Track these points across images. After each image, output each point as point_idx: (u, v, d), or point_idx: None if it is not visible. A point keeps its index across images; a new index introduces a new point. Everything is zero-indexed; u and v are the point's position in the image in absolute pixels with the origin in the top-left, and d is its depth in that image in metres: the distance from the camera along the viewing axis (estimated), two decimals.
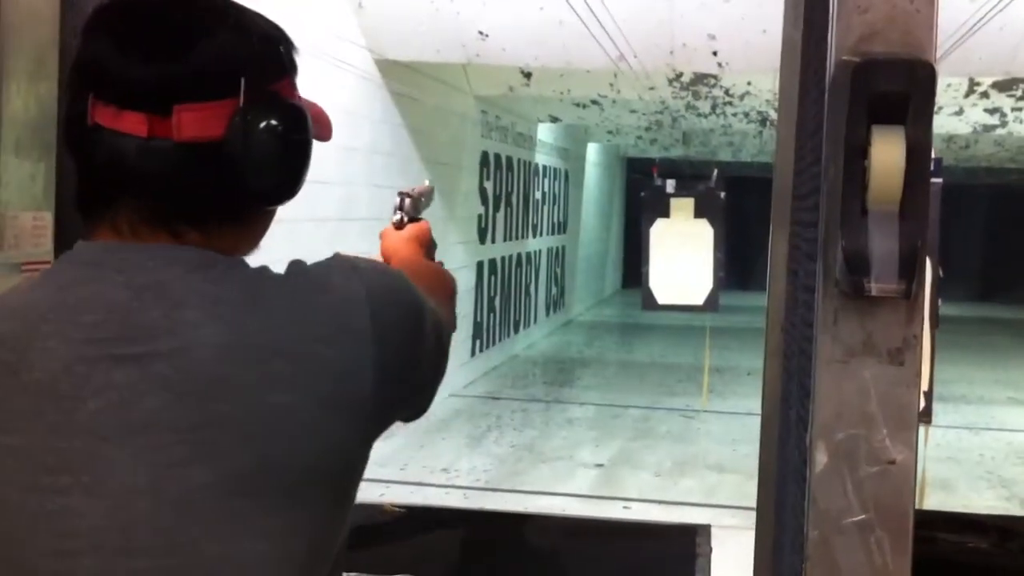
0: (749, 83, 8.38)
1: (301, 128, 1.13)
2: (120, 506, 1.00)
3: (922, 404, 5.38)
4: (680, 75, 7.94)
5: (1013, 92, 8.19)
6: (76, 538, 1.00)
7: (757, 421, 2.11)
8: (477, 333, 9.80)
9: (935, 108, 1.17)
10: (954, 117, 9.33)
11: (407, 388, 1.15)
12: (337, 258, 1.14)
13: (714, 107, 9.75)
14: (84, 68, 1.10)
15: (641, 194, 12.34)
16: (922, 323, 1.18)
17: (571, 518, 5.54)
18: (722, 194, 11.79)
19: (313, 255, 1.16)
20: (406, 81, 7.52)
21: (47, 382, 1.02)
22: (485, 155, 10.05)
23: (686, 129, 12.08)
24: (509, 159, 10.99)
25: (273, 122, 1.09)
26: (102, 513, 1.00)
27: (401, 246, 1.71)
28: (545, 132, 12.70)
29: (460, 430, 7.85)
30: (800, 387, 1.35)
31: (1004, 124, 9.75)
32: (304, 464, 1.04)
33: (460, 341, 9.05)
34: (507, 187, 10.90)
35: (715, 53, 6.80)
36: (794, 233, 1.67)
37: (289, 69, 1.16)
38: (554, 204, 13.44)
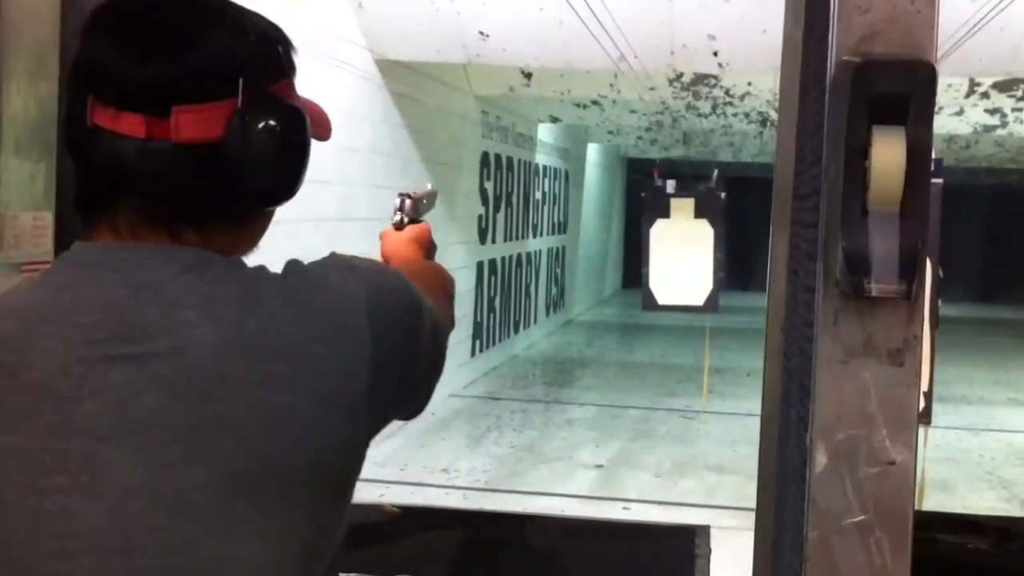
0: (749, 83, 8.38)
1: (299, 129, 1.13)
2: (118, 506, 1.00)
3: (922, 405, 5.39)
4: (680, 75, 7.95)
5: (1013, 92, 8.19)
6: (75, 538, 1.00)
7: (757, 422, 2.11)
8: (477, 333, 9.80)
9: (936, 108, 1.17)
10: (955, 117, 9.34)
11: (404, 387, 1.15)
12: (334, 257, 1.14)
13: (714, 107, 9.75)
14: (83, 69, 1.10)
15: (641, 194, 12.33)
16: (922, 324, 1.18)
17: (571, 519, 5.54)
18: (722, 194, 11.78)
19: (313, 255, 1.16)
20: (406, 81, 7.52)
21: (46, 382, 1.03)
22: (485, 155, 10.05)
23: (686, 129, 12.09)
24: (509, 159, 11.00)
25: (271, 123, 1.09)
26: (101, 513, 1.00)
27: (401, 247, 1.71)
28: (545, 132, 12.70)
29: (460, 430, 7.85)
30: (800, 387, 1.35)
31: (1004, 124, 9.75)
32: (302, 464, 1.04)
33: (460, 341, 9.06)
34: (507, 187, 10.91)
35: (715, 53, 6.80)
36: (794, 233, 1.67)
37: (288, 70, 1.16)
38: (554, 204, 13.44)
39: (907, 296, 1.14)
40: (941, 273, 5.82)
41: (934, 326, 5.71)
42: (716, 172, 11.91)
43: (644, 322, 14.06)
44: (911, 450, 1.18)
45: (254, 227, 1.17)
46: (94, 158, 1.09)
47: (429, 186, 1.88)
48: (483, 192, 9.96)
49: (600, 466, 6.98)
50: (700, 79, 8.18)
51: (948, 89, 7.99)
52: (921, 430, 5.67)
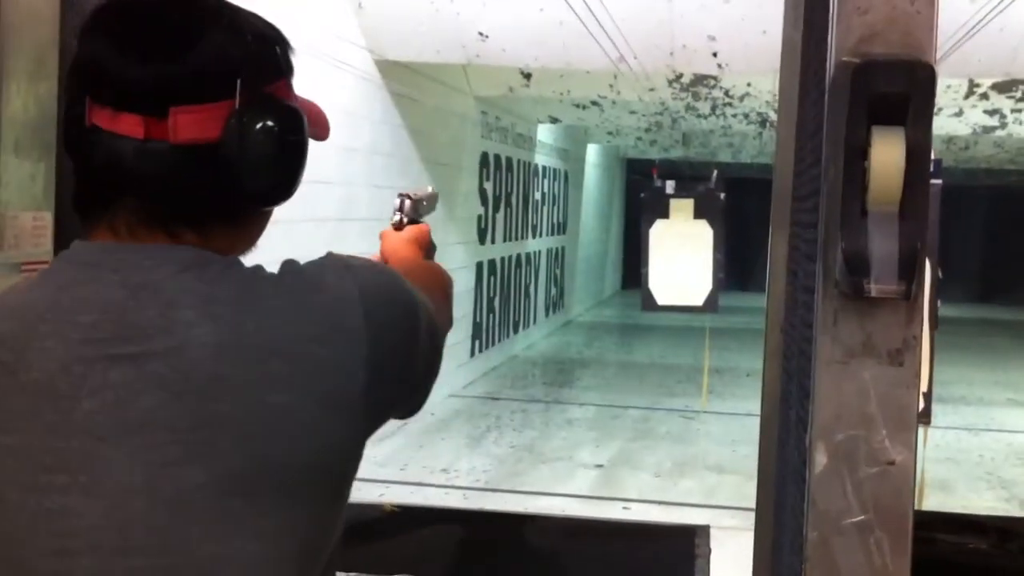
0: (749, 84, 8.38)
1: (297, 129, 1.13)
2: (117, 505, 1.00)
3: (921, 405, 5.39)
4: (680, 76, 7.94)
5: (1013, 93, 8.19)
6: (74, 537, 1.00)
7: (757, 422, 2.11)
8: (477, 333, 9.80)
9: (935, 109, 1.17)
10: (954, 118, 9.34)
11: (401, 387, 1.15)
12: (330, 257, 1.14)
13: (714, 108, 9.75)
14: (82, 69, 1.10)
15: (641, 195, 12.32)
16: (922, 324, 1.18)
17: (571, 518, 5.53)
18: (722, 195, 11.78)
19: (313, 255, 1.16)
20: (406, 82, 7.52)
21: (45, 382, 1.03)
22: (485, 156, 10.05)
23: (686, 130, 12.09)
24: (509, 160, 11.00)
25: (269, 123, 1.10)
26: (100, 512, 1.00)
27: (400, 247, 1.71)
28: (545, 133, 12.70)
29: (460, 430, 7.85)
30: (800, 388, 1.35)
31: (1004, 125, 9.75)
32: (300, 464, 1.04)
33: (459, 341, 9.06)
34: (507, 188, 10.91)
35: (715, 54, 6.80)
36: (794, 234, 1.67)
37: (285, 70, 1.16)
38: (554, 205, 13.44)
39: (906, 296, 1.14)
40: (940, 274, 5.82)
41: (933, 326, 5.72)
42: (715, 173, 11.91)
43: (644, 322, 14.06)
44: (911, 450, 1.18)
45: (252, 227, 1.17)
46: (92, 158, 1.09)
47: (430, 188, 1.88)
48: (482, 192, 9.96)
49: (600, 466, 6.98)
50: (700, 80, 8.18)
51: (947, 90, 7.99)
52: (921, 430, 5.66)
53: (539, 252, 12.57)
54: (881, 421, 1.17)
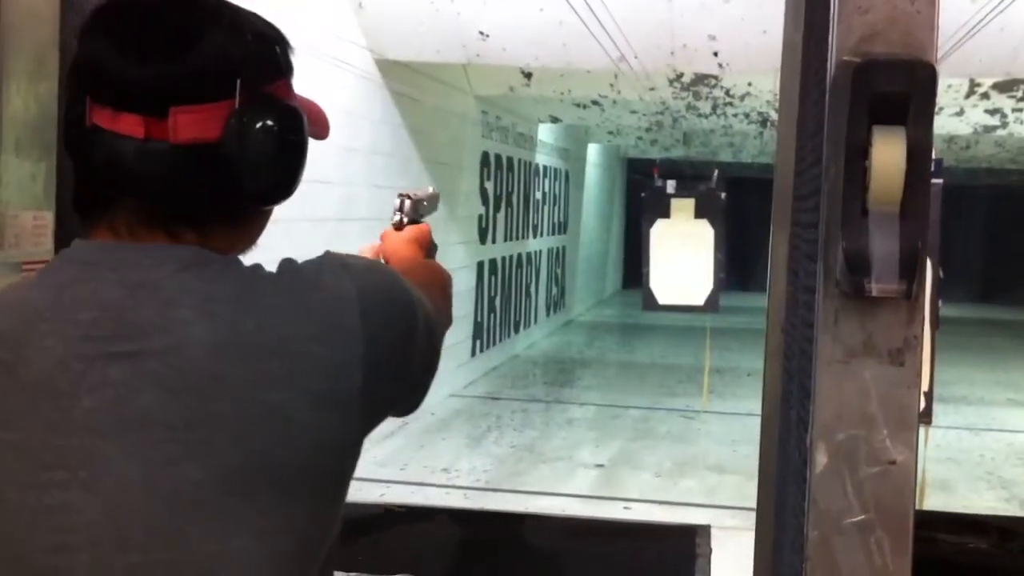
0: (750, 84, 8.38)
1: (297, 129, 1.13)
2: (116, 501, 1.01)
3: (922, 405, 5.39)
4: (681, 76, 7.94)
5: (1014, 93, 8.19)
6: (74, 533, 1.01)
7: (757, 422, 2.11)
8: (477, 333, 9.80)
9: (936, 109, 1.17)
10: (955, 118, 9.34)
11: (398, 386, 1.16)
12: (328, 256, 1.15)
13: (715, 108, 9.75)
14: (82, 69, 1.10)
15: (642, 195, 12.35)
16: (922, 324, 1.18)
17: (571, 518, 5.54)
18: (723, 195, 11.80)
19: (313, 255, 1.16)
20: (406, 81, 7.52)
21: (44, 380, 1.03)
22: (485, 155, 10.05)
23: (687, 130, 12.08)
24: (510, 159, 11.00)
25: (269, 123, 1.10)
26: (99, 508, 1.01)
27: (401, 247, 1.70)
28: (545, 132, 12.70)
29: (460, 430, 7.85)
30: (800, 388, 1.35)
31: (1005, 125, 9.75)
32: (297, 462, 1.05)
33: (460, 341, 9.06)
34: (508, 187, 10.90)
35: (716, 54, 6.80)
36: (794, 234, 1.67)
37: (285, 70, 1.16)
38: (554, 204, 13.44)
39: (907, 296, 1.14)
40: (941, 273, 5.83)
41: (934, 326, 5.72)
42: (716, 172, 11.93)
43: (644, 322, 14.06)
44: (911, 450, 1.18)
45: (252, 226, 1.17)
46: (93, 158, 1.09)
47: (431, 189, 1.88)
48: (483, 192, 9.96)
49: (601, 466, 6.98)
50: (700, 79, 8.18)
51: (948, 90, 7.99)
52: (921, 430, 5.67)
53: (540, 252, 12.57)
54: (882, 421, 1.17)
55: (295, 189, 1.15)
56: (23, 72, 2.31)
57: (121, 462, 1.01)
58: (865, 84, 1.14)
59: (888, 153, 1.13)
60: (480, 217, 9.85)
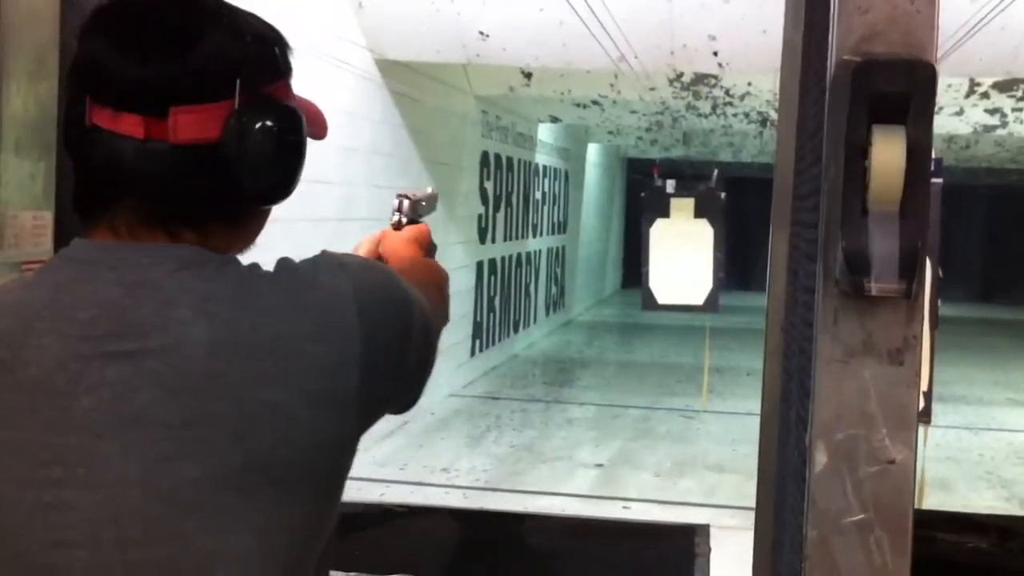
0: (749, 83, 8.38)
1: (296, 129, 1.14)
2: (113, 499, 1.01)
3: (921, 404, 5.39)
4: (680, 75, 7.94)
5: (1014, 93, 8.19)
6: (71, 530, 1.01)
7: (757, 421, 2.11)
8: (477, 333, 9.80)
9: (935, 108, 1.17)
10: (954, 117, 9.34)
11: (395, 384, 1.16)
12: (324, 255, 1.15)
13: (714, 107, 9.75)
14: (82, 69, 1.10)
15: (641, 194, 12.35)
16: (922, 323, 1.18)
17: (571, 518, 5.55)
18: (722, 194, 11.80)
19: (312, 255, 1.16)
20: (406, 81, 7.52)
21: (42, 378, 1.03)
22: (485, 155, 10.05)
23: (686, 129, 12.08)
24: (509, 159, 11.00)
25: (268, 124, 1.10)
26: (96, 505, 1.01)
27: (400, 247, 1.70)
28: (545, 132, 12.70)
29: (460, 430, 7.85)
30: (800, 387, 1.35)
31: (1004, 125, 9.75)
32: (294, 460, 1.05)
33: (460, 341, 9.06)
34: (507, 187, 10.90)
35: (715, 53, 6.80)
36: (794, 233, 1.67)
37: (284, 71, 1.17)
38: (554, 204, 13.44)
39: (907, 295, 1.14)
40: (941, 273, 5.83)
41: (934, 326, 5.72)
42: (716, 172, 11.93)
43: (644, 322, 14.06)
44: (911, 449, 1.18)
45: (251, 226, 1.18)
46: (92, 158, 1.09)
47: (430, 189, 1.88)
48: (483, 192, 9.96)
49: (600, 465, 6.98)
50: (700, 79, 8.18)
51: (948, 89, 7.99)
52: (921, 429, 5.67)
53: (539, 251, 12.57)
54: (881, 420, 1.17)
55: (294, 189, 1.15)
56: (23, 72, 2.32)
57: (119, 460, 1.01)
58: (865, 84, 1.14)
59: (888, 152, 1.13)
60: (480, 217, 9.85)
